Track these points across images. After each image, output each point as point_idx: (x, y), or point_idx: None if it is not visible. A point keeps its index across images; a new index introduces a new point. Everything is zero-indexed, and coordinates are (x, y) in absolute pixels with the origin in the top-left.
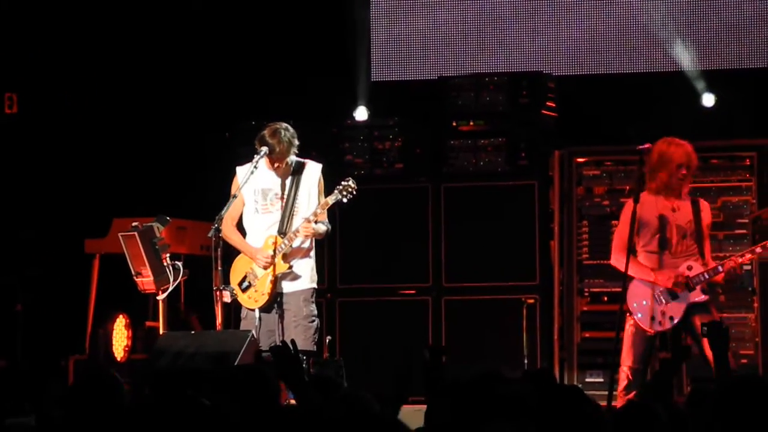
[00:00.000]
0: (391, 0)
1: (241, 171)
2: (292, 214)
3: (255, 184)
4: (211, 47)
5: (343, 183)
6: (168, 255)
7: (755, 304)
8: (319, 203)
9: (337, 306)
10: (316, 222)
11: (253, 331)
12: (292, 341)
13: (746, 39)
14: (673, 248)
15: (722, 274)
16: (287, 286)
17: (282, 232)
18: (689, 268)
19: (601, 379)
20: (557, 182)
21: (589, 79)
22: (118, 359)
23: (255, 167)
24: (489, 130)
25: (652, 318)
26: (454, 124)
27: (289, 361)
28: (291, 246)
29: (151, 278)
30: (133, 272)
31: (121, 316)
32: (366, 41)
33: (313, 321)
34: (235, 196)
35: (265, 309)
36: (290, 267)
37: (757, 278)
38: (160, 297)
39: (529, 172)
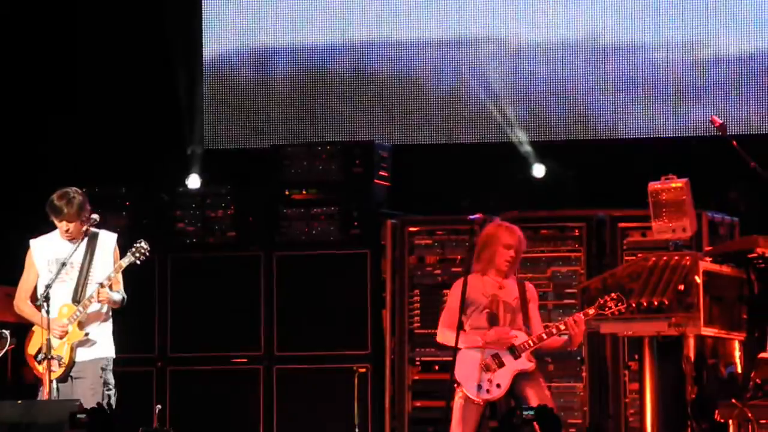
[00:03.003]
0: (225, 67)
1: (35, 243)
2: (87, 283)
3: (49, 254)
4: (40, 110)
5: (135, 245)
6: None
7: (583, 374)
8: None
9: (168, 374)
10: (110, 288)
11: None
12: (108, 404)
13: (576, 111)
14: (500, 323)
15: (551, 339)
16: (83, 355)
17: (76, 300)
18: (515, 337)
19: None
20: (390, 251)
21: (422, 148)
22: None
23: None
24: (322, 198)
25: (479, 386)
26: (287, 192)
27: (103, 423)
28: (86, 313)
29: None
30: None
31: None
32: (200, 109)
33: (111, 389)
34: (32, 269)
35: (62, 379)
36: (86, 334)
37: (585, 348)
38: None
39: (362, 240)
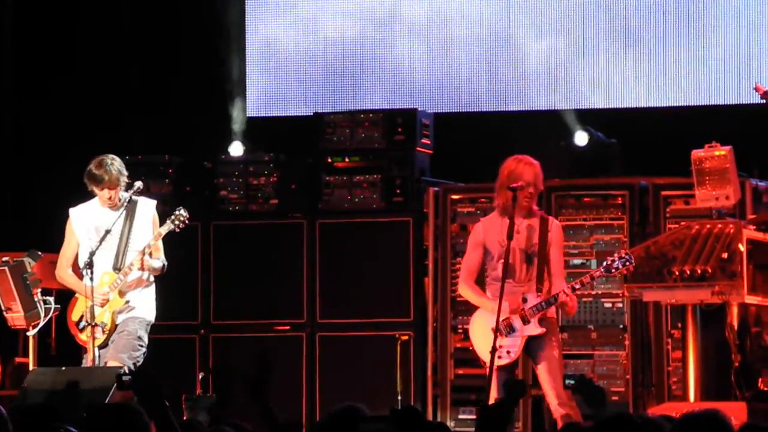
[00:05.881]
0: (267, 36)
1: (75, 212)
2: (127, 250)
3: (89, 222)
4: (85, 81)
5: (175, 212)
6: (39, 290)
7: (626, 342)
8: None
9: (210, 341)
10: (150, 256)
11: None
12: (135, 357)
13: (618, 78)
14: (516, 275)
15: (565, 300)
16: (123, 317)
17: (117, 267)
18: (524, 300)
19: (474, 416)
20: (432, 219)
21: (464, 116)
22: None
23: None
24: (364, 166)
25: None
26: (330, 160)
27: (149, 384)
28: (126, 281)
29: (22, 314)
30: (2, 308)
31: None
32: (242, 76)
33: (142, 346)
34: (72, 237)
35: (103, 345)
36: (127, 302)
37: (628, 316)
38: (31, 333)
39: (404, 208)
